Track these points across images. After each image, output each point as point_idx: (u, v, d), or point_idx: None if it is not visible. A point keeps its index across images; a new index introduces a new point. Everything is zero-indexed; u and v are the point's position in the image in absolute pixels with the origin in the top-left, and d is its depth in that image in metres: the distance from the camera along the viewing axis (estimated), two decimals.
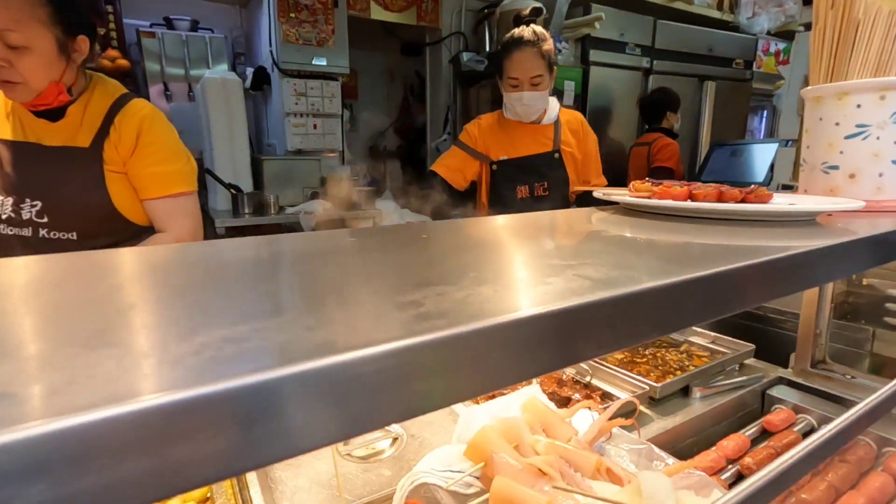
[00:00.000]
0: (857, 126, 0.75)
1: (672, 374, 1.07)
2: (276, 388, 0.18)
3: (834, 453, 0.69)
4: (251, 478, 0.71)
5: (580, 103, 3.21)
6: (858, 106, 0.74)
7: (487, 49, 3.32)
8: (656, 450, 0.66)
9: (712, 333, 1.25)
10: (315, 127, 3.06)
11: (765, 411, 1.08)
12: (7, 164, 1.10)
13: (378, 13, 3.24)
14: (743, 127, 4.12)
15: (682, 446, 0.95)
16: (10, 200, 1.10)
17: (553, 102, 1.76)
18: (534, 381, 0.76)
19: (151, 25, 3.15)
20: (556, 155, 1.73)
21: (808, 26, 4.07)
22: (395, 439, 0.82)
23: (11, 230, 1.11)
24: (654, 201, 0.59)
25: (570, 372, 1.09)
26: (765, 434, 0.97)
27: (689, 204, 0.57)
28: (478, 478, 0.56)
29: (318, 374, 0.19)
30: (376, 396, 0.20)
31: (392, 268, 0.36)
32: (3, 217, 1.10)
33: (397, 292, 0.26)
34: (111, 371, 0.19)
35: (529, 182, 1.72)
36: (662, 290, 0.27)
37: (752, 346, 1.16)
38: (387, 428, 0.85)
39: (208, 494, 0.75)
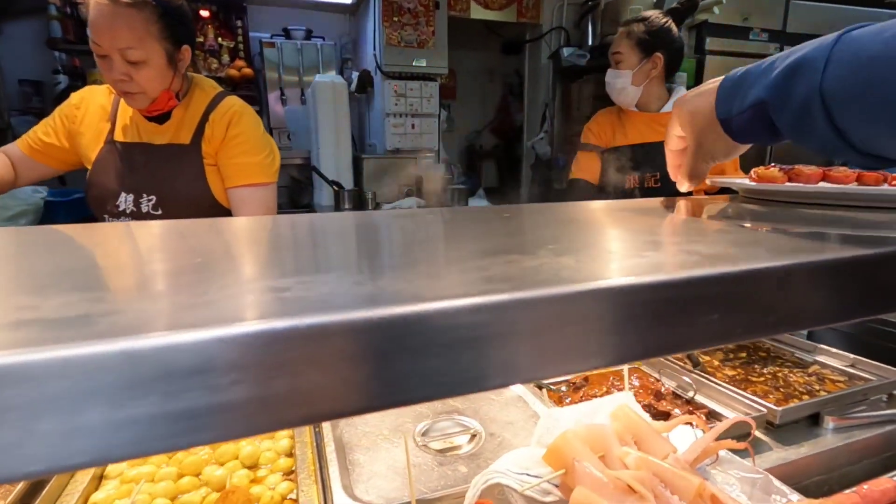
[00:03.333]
0: None
1: (797, 399, 0.92)
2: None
3: None
4: (331, 458, 0.73)
5: None
6: None
7: (590, 43, 3.17)
8: (776, 482, 0.56)
9: (851, 356, 1.06)
10: (413, 127, 3.14)
11: None
12: (126, 165, 1.24)
13: (478, 12, 3.24)
14: None
15: (808, 484, 0.81)
16: (130, 197, 1.24)
17: (678, 91, 1.68)
18: (626, 387, 0.69)
19: (272, 36, 3.44)
20: None
21: None
22: (473, 436, 0.80)
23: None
24: (786, 186, 0.50)
25: (670, 385, 0.98)
26: None
27: (831, 187, 0.47)
28: (556, 486, 0.51)
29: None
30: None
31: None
32: (128, 212, 1.25)
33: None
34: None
35: (640, 172, 1.61)
36: (788, 272, 0.21)
37: None
38: (466, 424, 0.83)
39: (293, 468, 0.78)
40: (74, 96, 1.31)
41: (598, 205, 0.60)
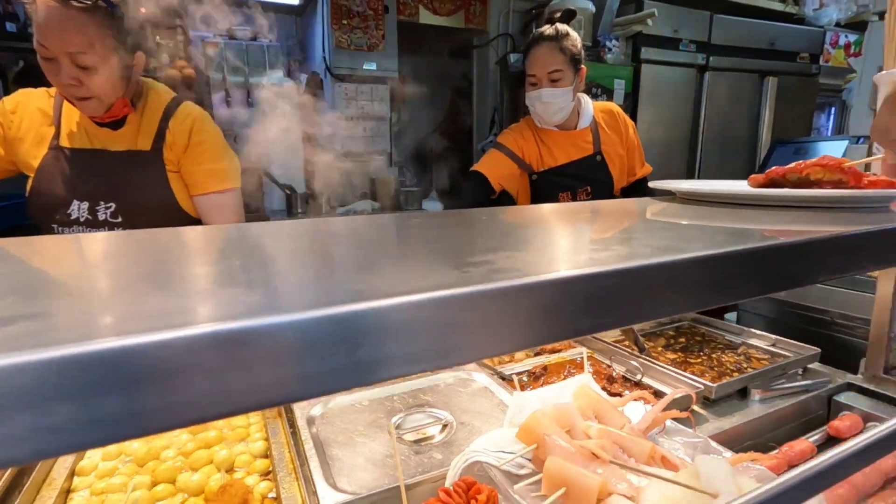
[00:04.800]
0: None
1: (728, 376, 1.03)
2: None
3: None
4: (311, 454, 0.75)
5: (631, 102, 3.14)
6: None
7: None
8: (713, 444, 0.64)
9: (773, 336, 1.20)
10: (364, 130, 3.16)
11: (831, 417, 1.02)
12: (78, 172, 1.18)
13: (427, 17, 3.30)
14: (808, 125, 3.89)
15: (739, 449, 0.91)
16: (85, 205, 1.19)
17: (585, 102, 1.69)
18: (586, 370, 0.76)
19: (215, 36, 3.34)
20: (598, 157, 1.69)
21: (882, 15, 3.80)
22: (444, 426, 0.85)
23: (91, 230, 1.20)
24: (709, 188, 0.58)
25: (620, 369, 1.07)
26: (830, 441, 0.93)
27: (746, 190, 0.55)
28: (529, 460, 0.57)
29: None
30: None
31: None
32: (82, 220, 1.19)
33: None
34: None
35: (572, 188, 1.69)
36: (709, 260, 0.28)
37: (816, 350, 1.10)
38: (438, 415, 0.88)
39: (270, 468, 0.80)
40: (8, 101, 1.22)
41: (542, 210, 0.66)
